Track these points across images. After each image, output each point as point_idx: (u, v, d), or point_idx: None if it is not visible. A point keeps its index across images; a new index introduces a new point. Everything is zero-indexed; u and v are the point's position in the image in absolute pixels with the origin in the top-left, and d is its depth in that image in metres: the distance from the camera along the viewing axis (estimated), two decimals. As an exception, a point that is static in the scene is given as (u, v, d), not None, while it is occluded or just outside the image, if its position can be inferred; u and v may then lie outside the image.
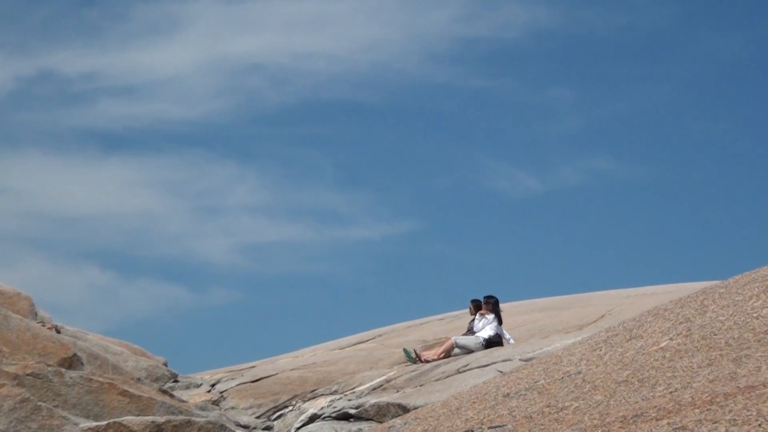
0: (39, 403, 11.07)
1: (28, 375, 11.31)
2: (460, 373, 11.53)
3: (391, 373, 12.75)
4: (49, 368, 11.59)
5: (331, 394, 12.94)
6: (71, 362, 12.16)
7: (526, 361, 9.80)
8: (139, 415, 11.26)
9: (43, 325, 12.30)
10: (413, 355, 13.02)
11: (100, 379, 11.64)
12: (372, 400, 11.66)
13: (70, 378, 11.50)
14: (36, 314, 12.76)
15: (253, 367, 15.47)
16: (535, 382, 5.19)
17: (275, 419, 12.74)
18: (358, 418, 11.52)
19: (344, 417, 11.84)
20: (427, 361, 12.74)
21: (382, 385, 12.33)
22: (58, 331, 12.39)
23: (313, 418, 12.27)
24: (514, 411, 4.70)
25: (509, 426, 4.41)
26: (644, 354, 4.99)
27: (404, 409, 10.59)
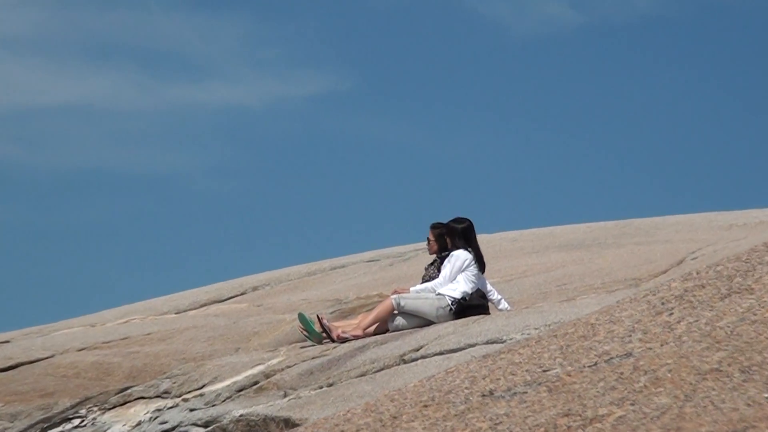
0: None
1: None
2: (405, 362, 11.81)
3: (275, 361, 13.00)
4: None
5: (158, 397, 13.23)
6: None
7: (526, 337, 10.14)
8: None
9: None
10: (317, 328, 13.33)
11: None
12: (237, 410, 11.95)
13: None
14: None
15: (5, 342, 15.64)
16: (545, 372, 5.33)
17: None
18: None
19: None
20: (344, 339, 13.08)
21: (257, 383, 12.63)
22: None
23: None
24: (500, 424, 4.80)
25: None
26: (754, 322, 5.13)
27: (291, 424, 10.88)
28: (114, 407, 13.25)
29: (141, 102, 50.67)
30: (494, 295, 13.56)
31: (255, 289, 18.31)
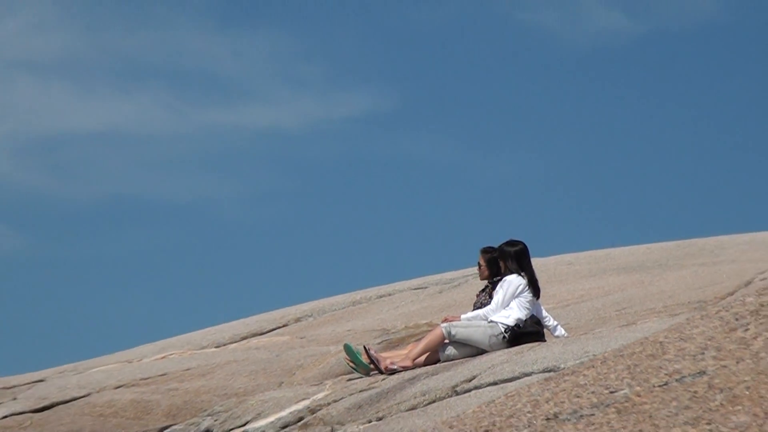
0: None
1: None
2: (458, 394, 11.77)
3: (320, 396, 13.01)
4: None
5: None
6: None
7: (580, 364, 10.22)
8: None
9: None
10: (364, 359, 13.33)
11: None
12: None
13: None
14: None
15: (39, 381, 15.70)
16: (612, 393, 5.41)
17: None
18: None
19: None
20: (392, 371, 13.08)
21: (302, 419, 12.67)
22: None
23: None
24: None
25: None
26: None
27: None
28: None
29: (172, 126, 50.85)
30: (550, 321, 13.57)
31: (297, 320, 18.38)
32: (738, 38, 51.60)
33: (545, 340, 13.19)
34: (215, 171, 52.08)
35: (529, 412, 5.59)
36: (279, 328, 18.08)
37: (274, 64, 51.76)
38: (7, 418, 14.29)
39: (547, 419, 5.34)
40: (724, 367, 5.39)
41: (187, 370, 15.40)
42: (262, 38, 51.00)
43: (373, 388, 12.60)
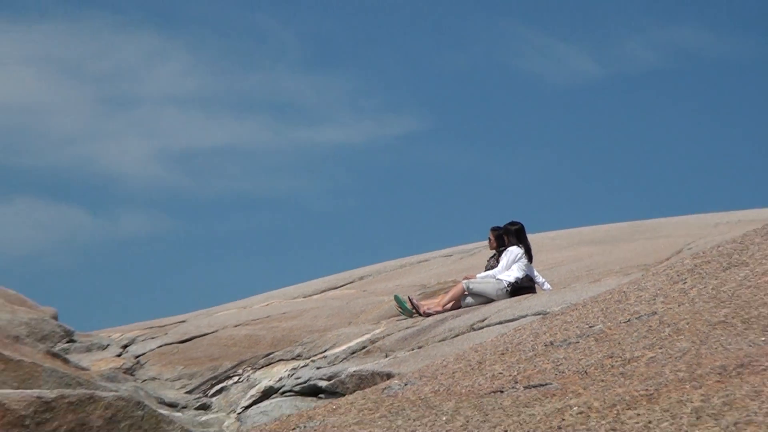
0: None
1: None
2: (474, 330, 11.75)
3: (378, 331, 13.00)
4: None
5: (294, 359, 13.19)
6: None
7: (562, 310, 10.26)
8: (18, 388, 11.37)
9: None
10: (408, 306, 13.29)
11: (-38, 338, 11.85)
12: (351, 368, 11.87)
13: None
14: None
15: (182, 322, 15.72)
16: (591, 327, 5.34)
17: (214, 395, 13.02)
18: (331, 392, 11.74)
19: (312, 392, 12.20)
20: (428, 314, 13.03)
21: (364, 347, 12.59)
22: None
23: (267, 393, 12.58)
24: (561, 365, 4.85)
25: (555, 384, 4.54)
26: (750, 287, 5.15)
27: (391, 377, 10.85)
28: (262, 367, 13.35)
29: (272, 142, 51.40)
30: (539, 279, 13.52)
31: (361, 278, 18.27)
32: (670, 80, 51.75)
33: (536, 293, 13.19)
34: (302, 174, 52.49)
35: (531, 340, 5.57)
36: (348, 284, 18.08)
37: (344, 97, 52.23)
38: (162, 347, 14.47)
39: (545, 345, 5.31)
40: (670, 308, 5.37)
41: (284, 313, 15.47)
42: (335, 78, 51.67)
43: (414, 326, 12.62)
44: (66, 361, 12.45)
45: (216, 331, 14.72)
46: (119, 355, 14.33)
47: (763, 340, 4.41)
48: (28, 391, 10.99)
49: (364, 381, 11.20)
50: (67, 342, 14.40)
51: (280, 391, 12.56)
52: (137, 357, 14.18)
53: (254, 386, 12.82)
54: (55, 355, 12.49)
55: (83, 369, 12.65)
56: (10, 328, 13.35)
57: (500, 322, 11.62)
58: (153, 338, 14.85)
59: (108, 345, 14.75)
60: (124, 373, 13.45)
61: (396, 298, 13.58)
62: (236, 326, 14.85)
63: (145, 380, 13.38)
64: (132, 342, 14.81)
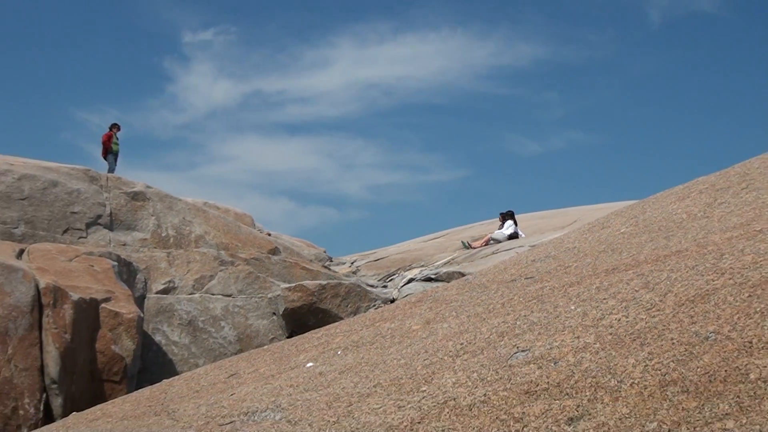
0: (258, 275, 10.86)
1: (252, 258, 11.10)
2: (494, 254, 11.42)
3: (454, 255, 12.63)
4: (263, 254, 11.27)
5: (420, 267, 12.75)
6: (274, 251, 11.76)
7: (533, 246, 8.83)
8: (312, 280, 11.15)
9: (261, 231, 12.73)
10: (467, 244, 13.13)
11: (290, 260, 11.43)
12: (444, 270, 11.46)
13: (274, 260, 11.33)
14: (254, 225, 13.18)
15: (375, 252, 15.51)
16: (549, 254, 4.84)
17: (388, 282, 12.53)
18: (436, 280, 11.32)
19: (428, 280, 11.60)
20: (474, 248, 12.78)
21: (449, 261, 12.21)
22: (269, 234, 13.02)
23: (410, 281, 11.97)
24: (539, 269, 4.46)
25: (536, 276, 4.18)
26: (612, 236, 4.71)
27: (462, 275, 9.99)
28: (408, 270, 12.63)
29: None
30: (521, 234, 13.11)
31: (447, 233, 16.36)
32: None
33: (518, 238, 12.75)
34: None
35: (525, 258, 5.10)
36: (443, 235, 16.28)
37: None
38: (367, 263, 13.72)
39: (532, 260, 4.83)
40: (581, 245, 4.82)
41: (416, 248, 14.43)
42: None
43: (469, 252, 12.23)
44: (330, 270, 12.28)
45: (389, 255, 14.05)
46: (350, 267, 13.80)
47: (620, 258, 4.01)
48: (316, 281, 10.99)
49: (449, 275, 10.86)
50: (330, 261, 13.96)
51: (415, 279, 11.76)
52: (357, 267, 13.74)
53: (404, 278, 12.11)
54: (326, 267, 12.32)
55: (335, 273, 12.20)
56: (308, 256, 13.03)
57: (504, 250, 11.47)
58: (364, 259, 14.40)
59: (345, 263, 14.23)
60: (352, 274, 13.07)
61: (461, 241, 13.38)
62: (397, 254, 14.18)
63: (360, 276, 12.89)
64: (355, 261, 14.36)
